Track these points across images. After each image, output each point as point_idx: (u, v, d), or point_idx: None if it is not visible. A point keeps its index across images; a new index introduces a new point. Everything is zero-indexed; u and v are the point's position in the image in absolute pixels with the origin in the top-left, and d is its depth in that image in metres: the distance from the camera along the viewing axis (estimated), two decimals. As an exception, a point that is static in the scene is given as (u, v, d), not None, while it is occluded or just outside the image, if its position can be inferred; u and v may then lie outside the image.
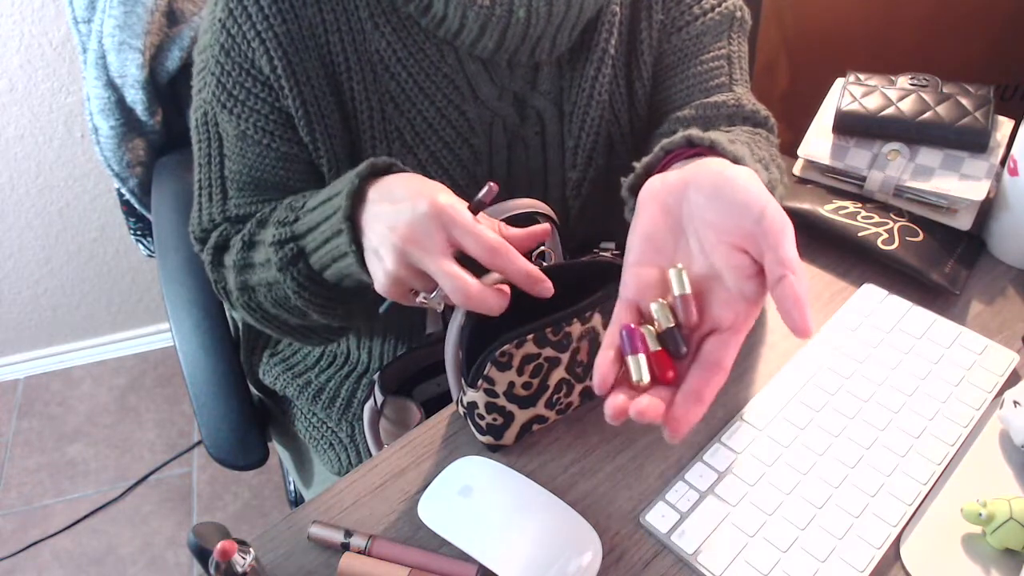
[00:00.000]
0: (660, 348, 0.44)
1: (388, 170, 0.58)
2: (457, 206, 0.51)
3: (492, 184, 0.52)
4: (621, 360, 0.44)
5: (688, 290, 0.44)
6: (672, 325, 0.44)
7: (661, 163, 0.57)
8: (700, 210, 0.45)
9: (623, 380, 0.44)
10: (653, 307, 0.44)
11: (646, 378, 0.43)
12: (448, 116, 0.68)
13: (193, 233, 0.72)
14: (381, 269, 0.53)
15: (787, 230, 0.42)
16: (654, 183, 0.48)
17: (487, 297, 0.50)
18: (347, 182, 0.56)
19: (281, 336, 0.71)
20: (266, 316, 0.68)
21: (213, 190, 0.69)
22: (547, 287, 0.52)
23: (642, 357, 0.43)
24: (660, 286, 0.46)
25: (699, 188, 0.45)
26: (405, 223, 0.51)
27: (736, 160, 0.51)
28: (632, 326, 0.44)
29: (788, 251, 0.41)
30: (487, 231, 0.51)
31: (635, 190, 0.59)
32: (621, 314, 0.46)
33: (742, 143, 0.58)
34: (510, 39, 0.64)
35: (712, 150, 0.54)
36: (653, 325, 0.45)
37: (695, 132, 0.55)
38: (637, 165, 0.59)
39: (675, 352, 0.44)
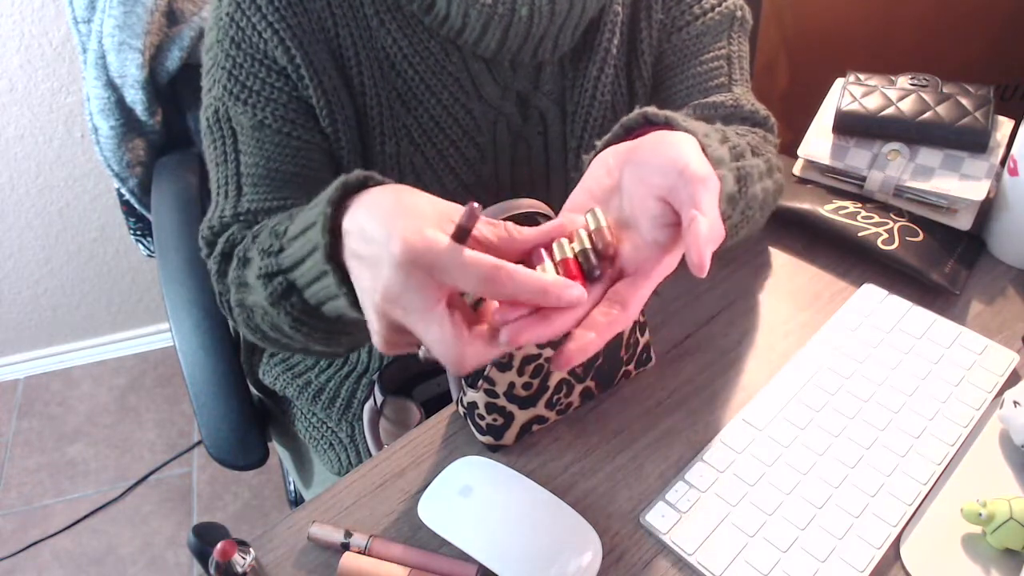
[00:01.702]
0: (572, 258, 0.45)
1: (364, 185, 0.49)
2: (433, 242, 0.41)
3: (474, 204, 0.41)
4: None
5: (603, 224, 0.46)
6: (588, 247, 0.45)
7: (620, 140, 0.57)
8: (636, 170, 0.47)
9: None
10: (577, 234, 0.46)
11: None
12: (455, 114, 0.68)
13: (202, 234, 0.68)
14: (374, 332, 0.45)
15: (708, 181, 0.44)
16: (606, 153, 0.50)
17: (478, 355, 0.42)
18: (319, 212, 0.47)
19: (280, 352, 0.69)
20: (266, 338, 0.62)
21: (228, 187, 0.65)
22: (573, 294, 0.42)
23: (548, 264, 0.44)
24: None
25: (641, 152, 0.47)
26: (384, 279, 0.42)
27: (689, 132, 0.51)
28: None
29: (704, 199, 0.43)
30: (477, 259, 0.40)
31: None
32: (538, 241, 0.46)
33: (714, 129, 0.56)
34: (512, 38, 0.64)
35: (668, 126, 0.53)
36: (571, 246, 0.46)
37: (651, 109, 0.55)
38: (598, 143, 0.58)
39: (587, 269, 0.45)
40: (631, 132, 0.56)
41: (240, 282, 0.59)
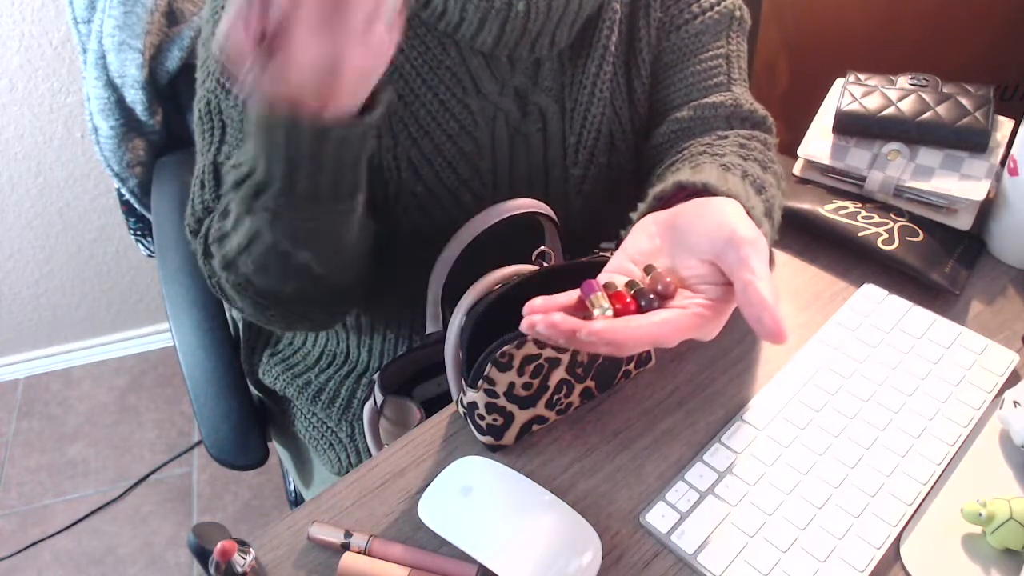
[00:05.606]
0: (626, 291, 0.45)
1: None
2: None
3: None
4: (577, 309, 0.45)
5: (660, 270, 0.46)
6: (643, 287, 0.45)
7: (655, 210, 0.57)
8: (681, 236, 0.48)
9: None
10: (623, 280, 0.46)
11: (609, 310, 0.43)
12: (451, 109, 0.68)
13: (188, 224, 0.70)
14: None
15: (757, 243, 0.44)
16: (646, 220, 0.51)
17: None
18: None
19: (280, 320, 0.68)
20: (258, 292, 0.63)
21: (206, 177, 0.68)
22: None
23: (601, 294, 0.44)
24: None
25: (684, 217, 0.48)
26: None
27: (730, 197, 0.51)
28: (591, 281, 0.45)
29: (754, 261, 0.43)
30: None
31: None
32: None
33: (735, 167, 0.57)
34: (509, 33, 0.64)
35: (705, 190, 0.53)
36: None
37: (685, 177, 0.54)
38: (633, 216, 0.58)
39: (645, 303, 0.44)
40: (663, 200, 0.56)
41: (221, 235, 0.62)
